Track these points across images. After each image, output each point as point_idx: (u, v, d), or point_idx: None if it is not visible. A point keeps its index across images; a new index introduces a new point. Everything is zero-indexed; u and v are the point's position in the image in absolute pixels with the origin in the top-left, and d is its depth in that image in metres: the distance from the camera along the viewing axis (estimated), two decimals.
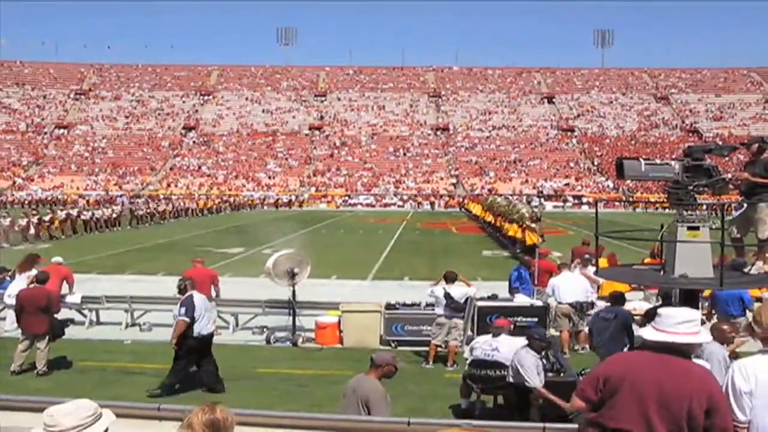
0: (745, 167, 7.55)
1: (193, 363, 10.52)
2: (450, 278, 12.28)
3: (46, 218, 36.59)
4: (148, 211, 49.88)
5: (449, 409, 9.33)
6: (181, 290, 10.87)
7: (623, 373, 4.09)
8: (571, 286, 13.02)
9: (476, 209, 49.02)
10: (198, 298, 10.59)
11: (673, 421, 3.88)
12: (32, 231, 33.97)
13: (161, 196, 69.00)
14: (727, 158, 8.35)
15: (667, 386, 3.92)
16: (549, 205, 71.28)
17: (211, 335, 10.79)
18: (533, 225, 24.59)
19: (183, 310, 10.32)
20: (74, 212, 40.56)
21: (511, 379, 8.29)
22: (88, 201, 57.80)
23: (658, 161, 6.98)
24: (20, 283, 13.58)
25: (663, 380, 3.94)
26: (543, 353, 8.45)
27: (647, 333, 4.18)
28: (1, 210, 45.08)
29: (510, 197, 52.91)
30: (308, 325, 13.98)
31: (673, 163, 6.73)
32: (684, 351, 4.04)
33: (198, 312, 10.36)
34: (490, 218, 38.67)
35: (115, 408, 3.58)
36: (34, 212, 36.89)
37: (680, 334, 4.03)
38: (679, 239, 6.64)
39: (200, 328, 10.41)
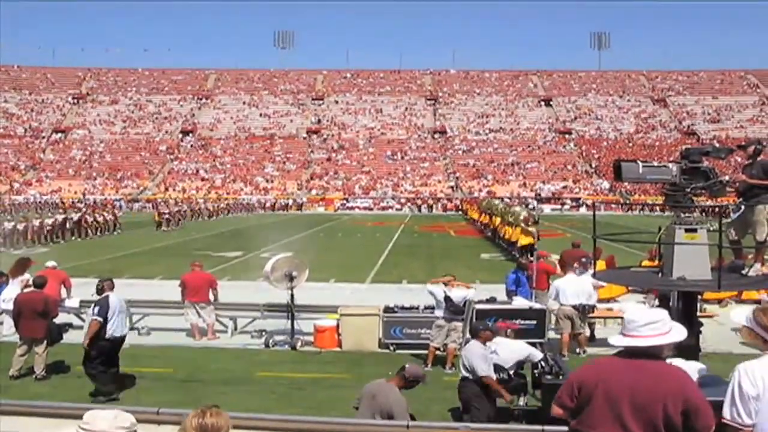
0: (743, 170, 7.57)
1: (106, 364, 10.50)
2: (449, 282, 12.33)
3: (49, 222, 36.61)
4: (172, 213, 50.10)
5: (448, 412, 9.32)
6: (99, 291, 10.90)
7: (596, 379, 4.12)
8: (575, 289, 13.04)
9: (474, 212, 49.07)
10: (114, 299, 10.58)
11: (650, 423, 3.89)
12: (30, 235, 34.02)
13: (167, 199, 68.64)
14: (724, 161, 8.36)
15: (640, 389, 3.93)
16: (547, 208, 71.29)
17: (123, 338, 10.80)
18: (530, 228, 24.59)
19: (96, 309, 10.39)
20: (75, 216, 40.57)
21: (469, 375, 8.39)
22: (87, 204, 57.56)
23: (655, 164, 7.01)
24: (14, 287, 13.56)
25: (636, 384, 3.95)
26: (487, 345, 8.74)
27: (615, 339, 4.22)
28: (2, 215, 44.99)
29: (507, 200, 52.94)
30: (307, 328, 13.97)
31: (670, 165, 6.76)
32: (653, 353, 4.06)
33: (111, 313, 10.37)
34: (486, 221, 38.73)
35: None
36: (36, 216, 36.87)
37: (645, 337, 4.06)
38: (677, 241, 6.66)
39: (113, 330, 10.42)
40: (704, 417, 3.91)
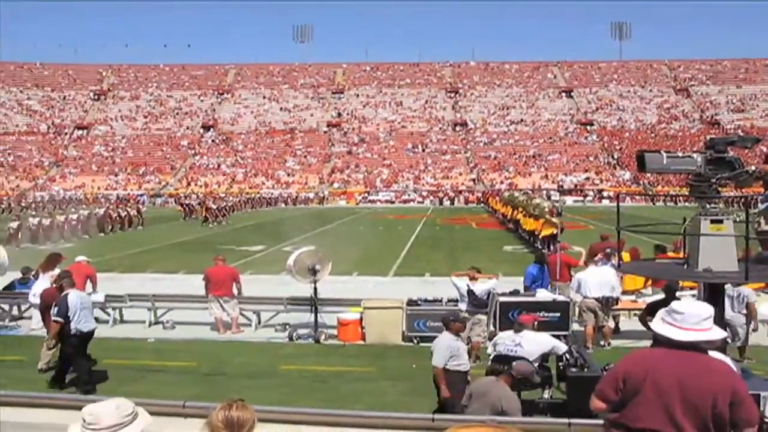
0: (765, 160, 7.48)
1: (84, 356, 10.66)
2: (472, 277, 12.31)
3: (74, 217, 36.97)
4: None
5: None
6: (59, 289, 10.98)
7: (644, 372, 4.03)
8: (597, 281, 12.97)
9: (496, 204, 48.89)
10: (73, 296, 10.60)
11: (700, 418, 3.85)
12: (56, 230, 34.44)
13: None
14: (750, 150, 8.24)
15: (691, 383, 3.88)
16: (569, 200, 70.81)
17: (91, 332, 10.85)
18: (554, 219, 24.50)
19: (56, 310, 10.46)
20: (99, 211, 40.94)
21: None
22: (111, 200, 58.13)
23: (680, 154, 6.93)
24: (44, 282, 13.74)
25: (686, 377, 3.90)
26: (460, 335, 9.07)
27: (669, 331, 4.08)
28: (27, 210, 45.49)
29: (528, 192, 52.67)
30: (330, 321, 14.03)
31: (695, 155, 6.68)
32: (703, 347, 4.03)
33: (72, 310, 10.42)
34: (509, 213, 38.56)
35: (141, 405, 3.63)
36: (60, 212, 37.24)
37: (704, 331, 4.01)
38: (702, 233, 6.60)
39: (77, 325, 10.49)
40: (750, 410, 3.89)
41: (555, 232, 21.58)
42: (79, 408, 3.46)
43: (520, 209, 33.32)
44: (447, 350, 8.56)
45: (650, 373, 4.00)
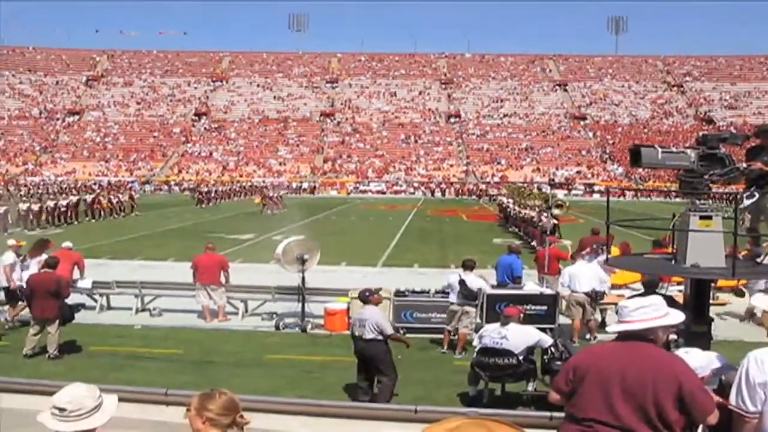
0: (746, 154, 7.46)
1: None
2: (468, 266, 12.27)
3: (64, 203, 36.79)
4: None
5: (457, 396, 9.33)
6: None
7: (589, 363, 4.17)
8: (587, 275, 12.99)
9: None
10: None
11: (639, 407, 3.88)
12: (45, 216, 34.27)
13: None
14: (740, 147, 8.23)
15: (630, 371, 3.94)
16: (560, 194, 70.72)
17: None
18: (557, 211, 24.53)
19: None
20: (89, 198, 40.75)
21: (377, 336, 9.03)
22: (102, 186, 57.87)
23: (674, 149, 6.92)
24: (32, 268, 13.67)
25: (626, 366, 3.97)
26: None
27: (612, 327, 4.32)
28: (16, 195, 45.26)
29: (523, 185, 52.64)
30: (317, 311, 14.00)
31: (689, 151, 6.67)
32: (645, 336, 4.08)
33: None
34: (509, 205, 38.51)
35: (123, 392, 3.59)
36: (51, 197, 37.06)
37: (636, 321, 4.09)
38: (691, 228, 6.59)
39: None
40: (700, 404, 3.89)
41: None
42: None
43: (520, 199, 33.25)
44: (386, 319, 9.58)
45: (594, 363, 4.13)
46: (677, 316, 4.27)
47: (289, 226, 31.53)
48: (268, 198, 47.41)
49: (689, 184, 6.72)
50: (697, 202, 6.68)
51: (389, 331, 9.12)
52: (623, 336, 4.16)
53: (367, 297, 9.50)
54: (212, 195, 56.99)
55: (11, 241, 15.25)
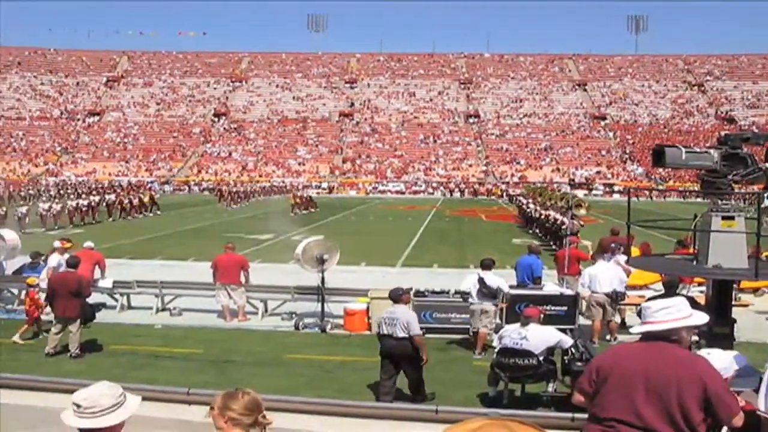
0: None
1: None
2: (486, 265, 12.25)
3: (84, 203, 37.10)
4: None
5: (476, 397, 9.30)
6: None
7: (612, 363, 4.16)
8: (608, 276, 12.90)
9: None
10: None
11: (662, 407, 3.85)
12: (66, 216, 34.58)
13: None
14: (762, 147, 8.16)
15: (654, 372, 3.92)
16: (580, 194, 70.36)
17: None
18: (582, 211, 24.44)
19: None
20: (111, 197, 41.06)
21: (404, 335, 9.06)
22: (123, 186, 58.46)
23: (697, 149, 6.86)
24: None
25: (650, 367, 3.95)
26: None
27: (635, 328, 4.30)
28: (41, 195, 45.67)
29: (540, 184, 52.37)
30: (337, 311, 14.01)
31: (712, 151, 6.62)
32: (668, 337, 4.05)
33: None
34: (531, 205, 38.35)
35: (146, 392, 3.61)
36: (71, 197, 37.37)
37: (659, 322, 4.07)
38: (713, 229, 6.53)
39: None
40: (726, 405, 3.84)
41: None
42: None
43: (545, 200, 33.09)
44: (416, 320, 9.35)
45: (617, 364, 4.12)
46: (701, 317, 4.24)
47: (309, 226, 31.58)
48: (298, 198, 47.94)
49: (712, 184, 6.66)
50: (720, 202, 6.63)
51: (417, 331, 9.10)
52: (647, 336, 4.13)
53: (399, 295, 9.52)
54: (240, 195, 57.89)
55: (56, 243, 15.43)
